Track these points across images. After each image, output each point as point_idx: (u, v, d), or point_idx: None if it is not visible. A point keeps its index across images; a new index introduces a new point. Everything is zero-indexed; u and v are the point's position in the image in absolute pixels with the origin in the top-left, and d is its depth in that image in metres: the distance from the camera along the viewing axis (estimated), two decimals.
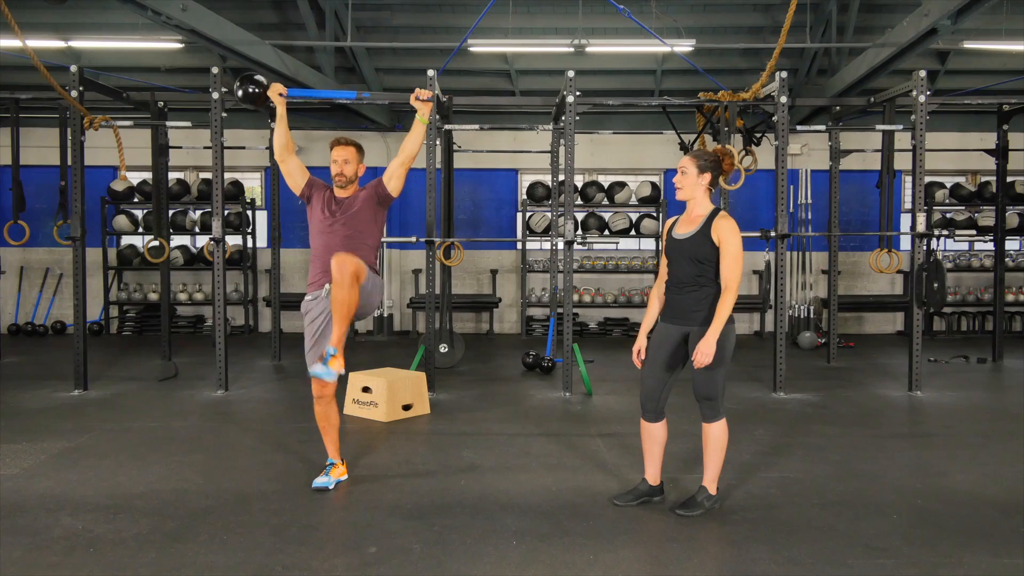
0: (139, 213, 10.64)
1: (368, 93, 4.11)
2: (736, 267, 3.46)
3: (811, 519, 3.55)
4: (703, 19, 9.14)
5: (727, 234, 3.47)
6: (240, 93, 4.12)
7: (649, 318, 3.73)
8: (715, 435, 3.57)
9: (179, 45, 8.40)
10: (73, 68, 6.31)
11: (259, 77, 4.13)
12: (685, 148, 7.74)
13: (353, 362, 7.45)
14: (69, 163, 6.44)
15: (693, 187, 3.57)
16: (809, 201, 10.60)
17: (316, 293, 3.97)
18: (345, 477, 4.08)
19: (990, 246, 9.89)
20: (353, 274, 3.60)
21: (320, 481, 3.96)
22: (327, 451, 4.07)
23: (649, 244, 10.91)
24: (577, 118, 6.39)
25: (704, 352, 3.38)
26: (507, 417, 5.62)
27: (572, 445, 4.83)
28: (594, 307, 10.65)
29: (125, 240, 10.78)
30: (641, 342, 3.67)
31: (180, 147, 8.34)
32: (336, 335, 3.66)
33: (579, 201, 10.37)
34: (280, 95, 4.07)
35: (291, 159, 4.08)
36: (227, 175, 9.74)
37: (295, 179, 4.09)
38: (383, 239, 7.48)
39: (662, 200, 10.43)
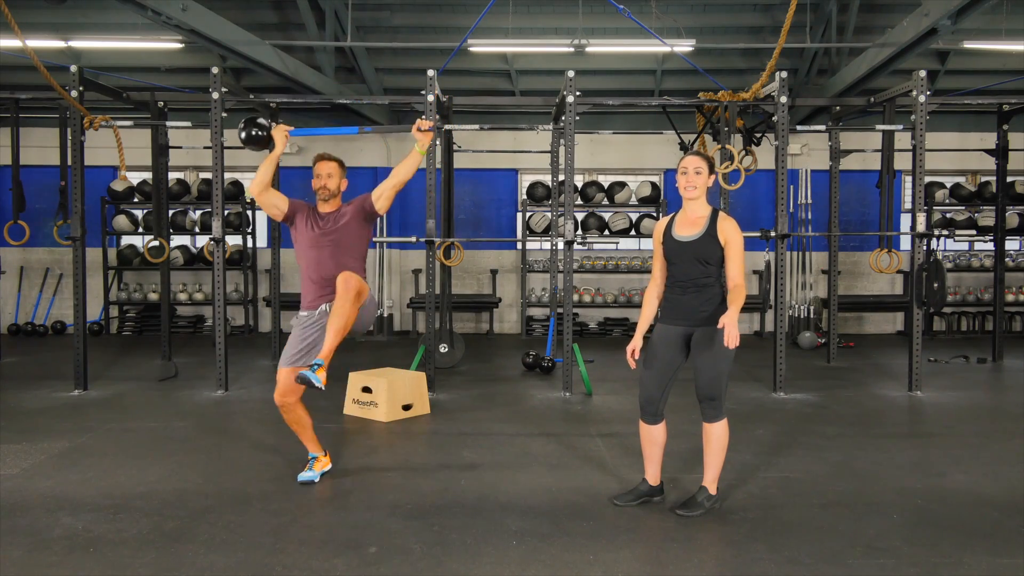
0: (139, 213, 10.64)
1: (369, 128, 4.14)
2: (743, 265, 3.51)
3: (811, 519, 3.55)
4: (703, 19, 9.14)
5: (733, 234, 3.49)
6: (243, 135, 4.03)
7: (645, 319, 3.71)
8: (716, 435, 3.57)
9: (179, 45, 8.40)
10: (73, 68, 6.31)
11: (262, 120, 4.05)
12: (685, 148, 7.74)
13: (353, 362, 7.46)
14: (69, 163, 6.44)
15: (704, 187, 3.57)
16: (809, 201, 10.60)
17: (311, 313, 3.98)
18: (329, 467, 4.18)
19: (990, 246, 9.89)
20: (357, 291, 3.73)
21: (305, 475, 4.06)
22: (307, 448, 4.15)
23: (649, 244, 10.90)
24: (577, 118, 6.39)
25: (731, 332, 3.24)
26: (507, 417, 5.62)
27: (572, 445, 4.83)
28: (594, 307, 10.65)
29: (125, 240, 10.78)
30: (637, 342, 3.62)
31: (180, 147, 8.34)
32: (327, 348, 3.69)
33: (579, 201, 10.37)
34: (284, 136, 4.02)
35: (269, 191, 4.02)
36: (227, 175, 9.74)
37: (277, 207, 4.04)
38: (384, 240, 7.51)
39: (662, 200, 10.43)
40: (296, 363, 3.92)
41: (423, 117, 4.05)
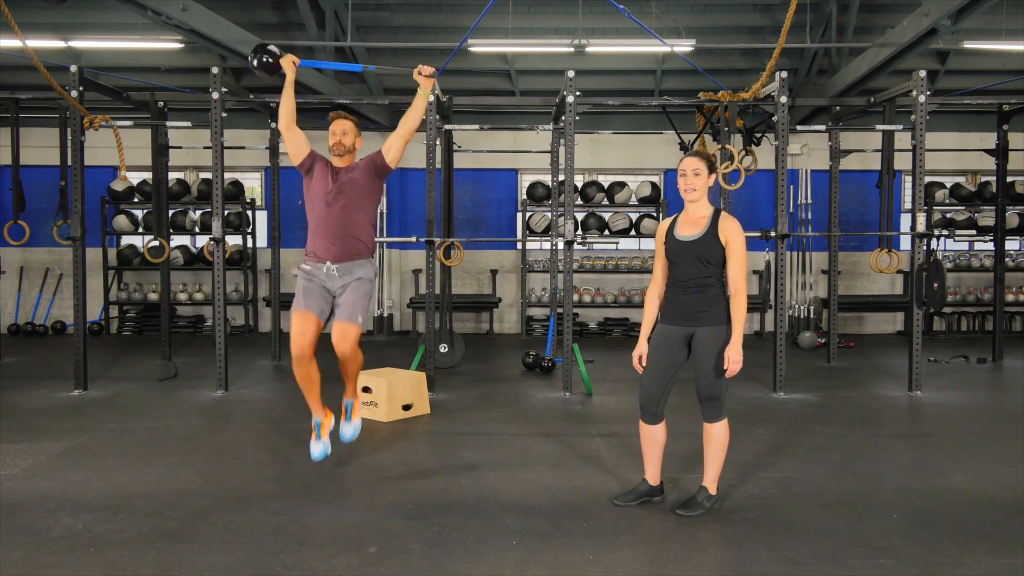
0: (139, 213, 10.64)
1: (373, 67, 4.31)
2: (744, 267, 3.49)
3: (811, 519, 3.55)
4: (703, 19, 9.14)
5: (735, 234, 3.47)
6: (255, 63, 4.25)
7: (648, 322, 3.71)
8: (717, 435, 3.57)
9: (179, 45, 8.41)
10: (73, 68, 6.31)
11: (273, 48, 4.25)
12: (685, 148, 7.74)
13: None
14: (69, 163, 6.44)
15: (704, 188, 3.56)
16: (809, 201, 10.60)
17: (316, 265, 4.02)
18: (333, 424, 4.13)
19: (990, 246, 9.89)
20: (356, 344, 3.94)
21: (318, 451, 4.01)
22: (311, 410, 4.06)
23: (649, 244, 10.90)
24: (577, 118, 6.39)
25: (735, 360, 3.42)
26: (507, 417, 5.62)
27: (572, 445, 4.83)
28: (594, 307, 10.64)
29: (125, 240, 10.78)
30: (642, 347, 3.64)
31: (180, 147, 8.33)
32: (351, 392, 4.16)
33: (579, 201, 10.37)
34: (293, 63, 4.16)
35: (296, 129, 4.12)
36: (227, 175, 9.74)
37: (299, 148, 4.10)
38: (383, 240, 7.51)
39: (662, 200, 10.43)
40: (311, 309, 3.93)
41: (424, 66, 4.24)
